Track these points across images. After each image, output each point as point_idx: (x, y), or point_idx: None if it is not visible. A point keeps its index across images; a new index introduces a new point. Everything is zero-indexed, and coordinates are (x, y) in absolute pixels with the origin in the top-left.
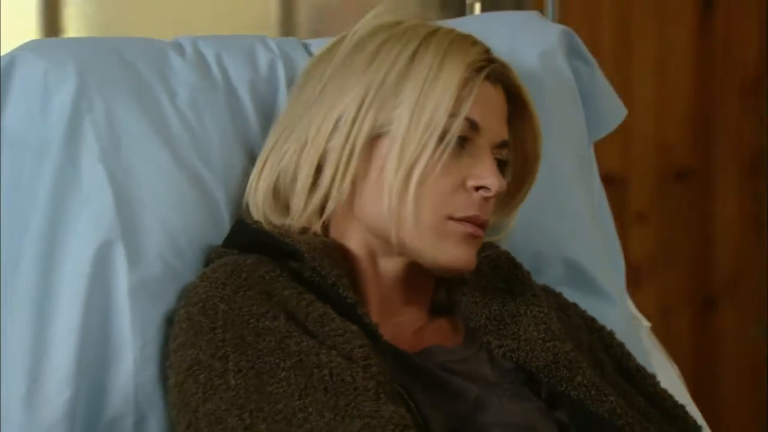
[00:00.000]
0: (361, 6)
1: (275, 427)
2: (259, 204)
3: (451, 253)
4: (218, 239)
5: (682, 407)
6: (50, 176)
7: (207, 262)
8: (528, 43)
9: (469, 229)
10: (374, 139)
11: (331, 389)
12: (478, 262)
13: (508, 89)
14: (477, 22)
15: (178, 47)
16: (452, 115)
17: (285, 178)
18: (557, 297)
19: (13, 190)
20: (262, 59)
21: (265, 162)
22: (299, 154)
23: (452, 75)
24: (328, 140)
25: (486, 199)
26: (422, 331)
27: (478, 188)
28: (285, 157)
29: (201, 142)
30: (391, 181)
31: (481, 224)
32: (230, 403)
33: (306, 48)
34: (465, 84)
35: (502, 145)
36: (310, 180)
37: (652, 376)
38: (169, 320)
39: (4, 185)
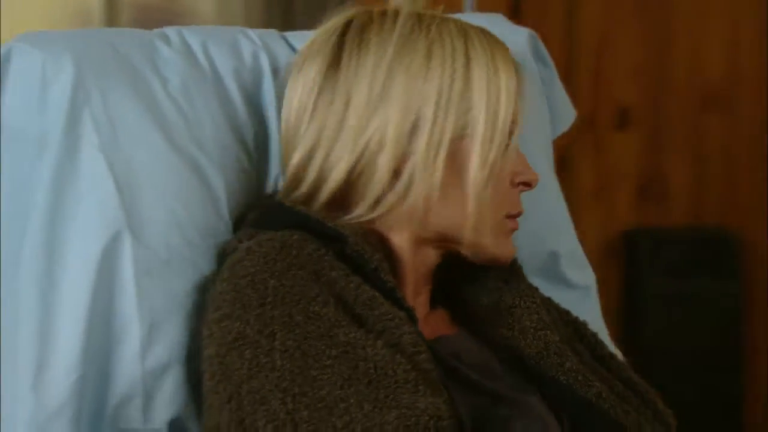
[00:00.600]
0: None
1: (316, 415)
2: (322, 196)
3: (507, 247)
4: (219, 223)
5: (653, 392)
6: (51, 167)
7: (231, 244)
8: None
9: (515, 225)
10: (455, 141)
11: (374, 382)
12: None
13: None
14: None
15: (165, 37)
16: (513, 121)
17: (354, 175)
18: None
19: (13, 182)
20: (246, 49)
21: (327, 154)
22: (376, 154)
23: (508, 77)
24: (409, 142)
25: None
26: (428, 319)
27: (523, 184)
28: (350, 156)
29: (195, 128)
30: (475, 181)
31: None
32: (274, 384)
33: (285, 39)
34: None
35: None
36: (386, 179)
37: (624, 363)
38: (179, 303)
39: (3, 177)
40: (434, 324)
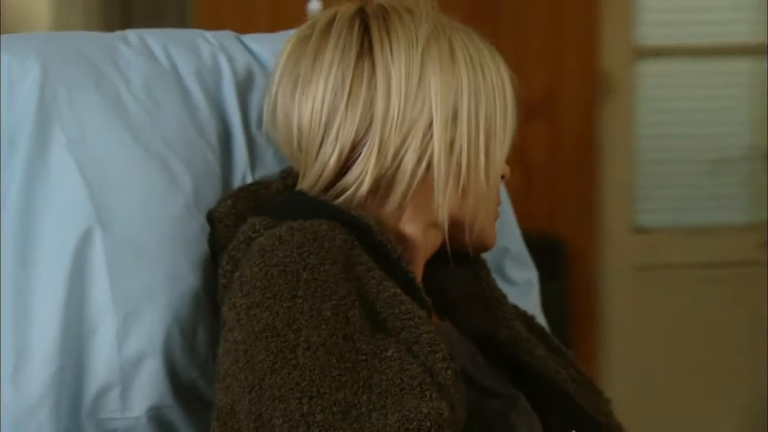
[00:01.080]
0: None
1: (330, 419)
2: (362, 191)
3: (495, 234)
4: (187, 216)
5: (592, 380)
6: (22, 165)
7: (247, 234)
8: None
9: (498, 215)
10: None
11: (385, 392)
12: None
13: None
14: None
15: (125, 39)
16: None
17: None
18: None
19: None
20: (205, 51)
21: (372, 149)
22: (417, 142)
23: (510, 82)
24: (449, 132)
25: None
26: None
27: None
28: (397, 143)
29: (160, 125)
30: (494, 170)
31: None
32: (295, 383)
33: (240, 41)
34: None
35: None
36: (417, 169)
37: (572, 353)
38: (153, 294)
39: None
40: None
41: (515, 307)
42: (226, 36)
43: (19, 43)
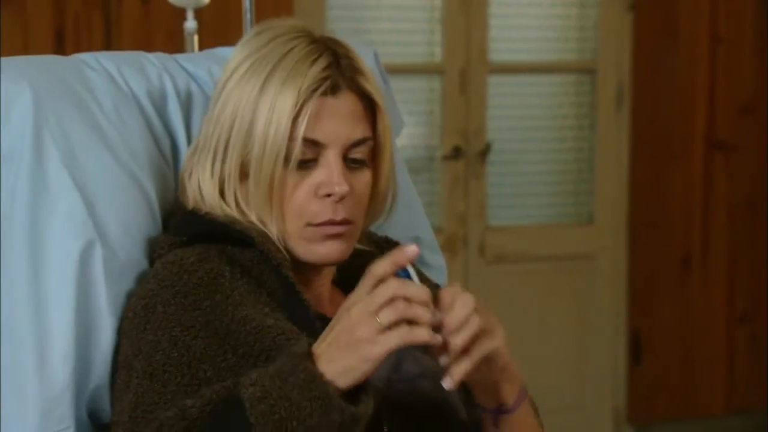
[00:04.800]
0: None
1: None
2: (210, 198)
3: (320, 251)
4: (153, 225)
5: None
6: (24, 176)
7: (154, 251)
8: None
9: (329, 231)
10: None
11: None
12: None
13: (361, 91)
14: None
15: (86, 63)
16: (291, 140)
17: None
18: None
19: None
20: (152, 72)
21: (213, 163)
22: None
23: (285, 104)
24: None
25: (338, 201)
26: (334, 298)
27: (327, 195)
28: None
29: (129, 143)
30: (258, 199)
31: (340, 222)
32: (126, 404)
33: (177, 62)
34: (300, 109)
35: (359, 143)
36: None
37: None
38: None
39: None
40: (339, 301)
41: (437, 285)
42: (165, 58)
43: (8, 66)
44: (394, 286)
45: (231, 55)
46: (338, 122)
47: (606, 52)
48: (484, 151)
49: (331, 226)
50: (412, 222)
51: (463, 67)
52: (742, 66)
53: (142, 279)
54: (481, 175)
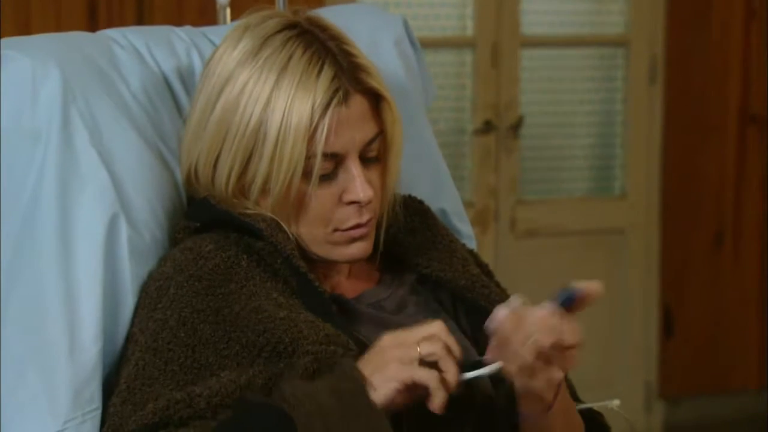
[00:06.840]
0: None
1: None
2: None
3: (347, 253)
4: (181, 210)
5: None
6: (53, 155)
7: (174, 236)
8: (384, 34)
9: (356, 233)
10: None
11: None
12: (397, 209)
13: (367, 89)
14: (337, 17)
15: (114, 40)
16: (309, 157)
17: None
18: None
19: (10, 172)
20: (180, 48)
21: (219, 152)
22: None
23: (300, 123)
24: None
25: (361, 207)
26: (353, 276)
27: (351, 202)
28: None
29: (157, 123)
30: (275, 209)
31: (365, 224)
32: (126, 375)
33: (206, 36)
34: (316, 127)
35: (373, 140)
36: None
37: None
38: None
39: (3, 169)
40: (356, 281)
41: (463, 246)
42: (194, 32)
43: (38, 47)
44: (439, 328)
45: (218, 53)
46: (353, 129)
47: (639, 26)
48: (516, 125)
49: (358, 229)
50: (439, 193)
51: (495, 40)
52: None
53: (160, 261)
54: (513, 149)
